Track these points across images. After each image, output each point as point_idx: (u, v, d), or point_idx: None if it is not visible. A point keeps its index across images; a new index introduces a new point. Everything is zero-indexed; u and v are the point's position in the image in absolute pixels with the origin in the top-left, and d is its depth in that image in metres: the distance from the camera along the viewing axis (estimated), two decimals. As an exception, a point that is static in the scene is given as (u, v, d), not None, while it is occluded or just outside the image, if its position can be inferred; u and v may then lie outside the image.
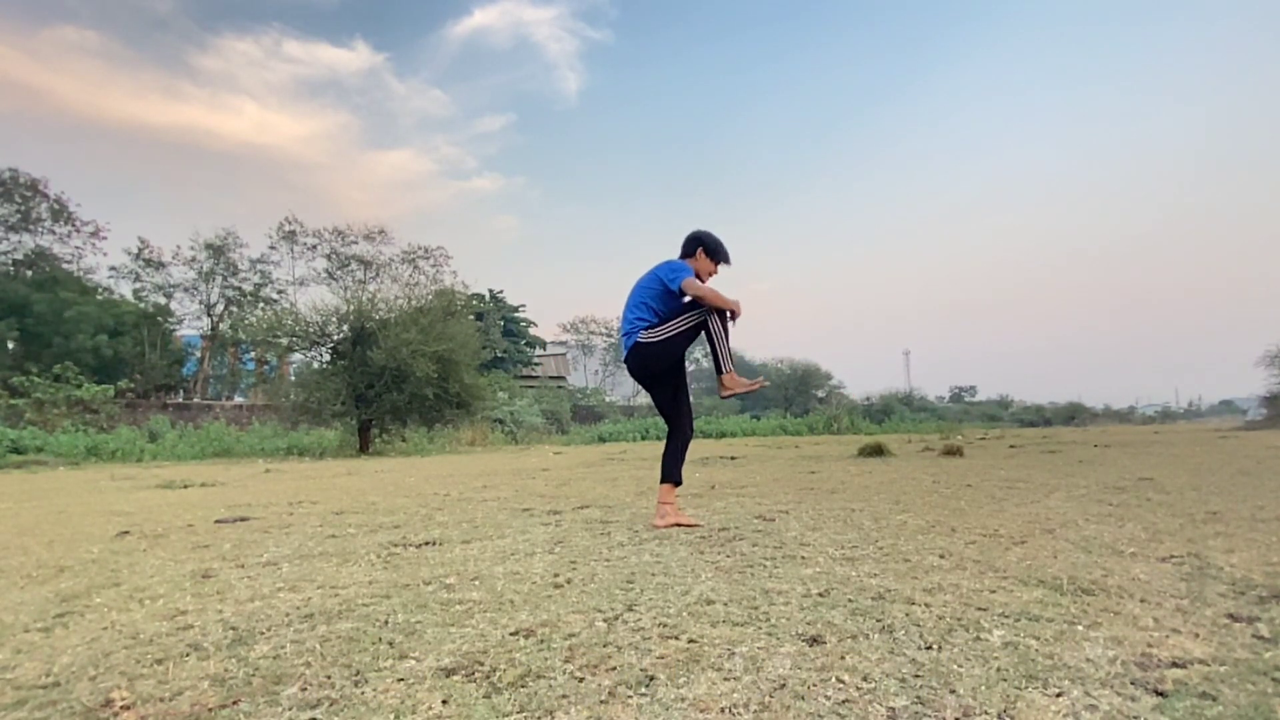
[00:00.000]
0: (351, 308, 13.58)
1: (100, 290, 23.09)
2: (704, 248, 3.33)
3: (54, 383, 15.12)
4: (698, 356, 31.31)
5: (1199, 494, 4.17)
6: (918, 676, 1.30)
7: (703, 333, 3.16)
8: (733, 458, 9.05)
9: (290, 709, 1.21)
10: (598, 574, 2.20)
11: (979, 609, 1.74)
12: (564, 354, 41.31)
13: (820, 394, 36.29)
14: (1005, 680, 1.28)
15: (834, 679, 1.29)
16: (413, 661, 1.43)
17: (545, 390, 28.21)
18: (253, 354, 25.59)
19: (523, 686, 1.29)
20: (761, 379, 3.41)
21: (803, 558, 2.39)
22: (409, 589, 2.05)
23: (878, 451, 8.64)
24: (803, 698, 1.21)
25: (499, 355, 29.99)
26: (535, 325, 36.39)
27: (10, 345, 19.88)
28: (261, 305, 25.32)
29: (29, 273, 21.75)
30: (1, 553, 2.92)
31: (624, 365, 3.59)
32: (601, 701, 1.21)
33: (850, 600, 1.83)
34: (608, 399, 36.13)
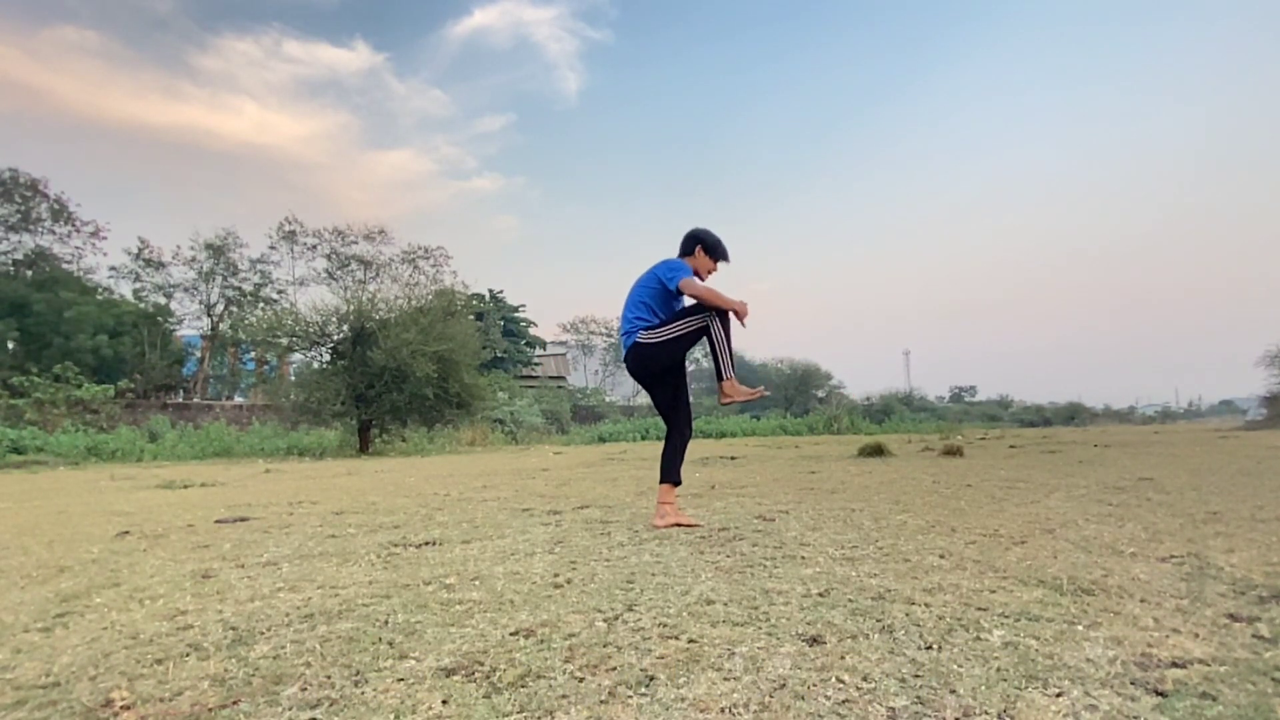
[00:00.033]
0: (351, 308, 13.58)
1: (100, 290, 23.08)
2: (702, 245, 3.32)
3: (54, 383, 15.12)
4: (698, 357, 31.28)
5: (1199, 494, 4.17)
6: (918, 676, 1.30)
7: (705, 337, 3.13)
8: (733, 458, 9.04)
9: (290, 709, 1.21)
10: (598, 574, 2.20)
11: (979, 609, 1.74)
12: (564, 354, 41.32)
13: (820, 394, 36.29)
14: (1005, 680, 1.28)
15: (834, 679, 1.29)
16: (413, 661, 1.43)
17: (545, 390, 28.22)
18: (253, 354, 25.59)
19: (523, 686, 1.29)
20: (762, 388, 3.37)
21: (803, 558, 2.39)
22: (409, 589, 2.05)
23: (878, 451, 8.64)
24: (803, 698, 1.22)
25: (499, 355, 29.99)
26: (535, 325, 36.42)
27: (10, 345, 19.88)
28: (261, 305, 25.31)
29: (29, 273, 21.75)
30: (1, 553, 2.92)
31: (624, 365, 3.58)
32: (601, 701, 1.21)
33: (850, 600, 1.83)
34: (608, 399, 36.13)
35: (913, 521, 3.20)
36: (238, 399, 25.40)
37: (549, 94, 75.52)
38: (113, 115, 46.45)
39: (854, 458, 8.44)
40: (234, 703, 1.24)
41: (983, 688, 1.25)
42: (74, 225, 22.87)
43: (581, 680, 1.31)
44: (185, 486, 6.40)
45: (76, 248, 23.20)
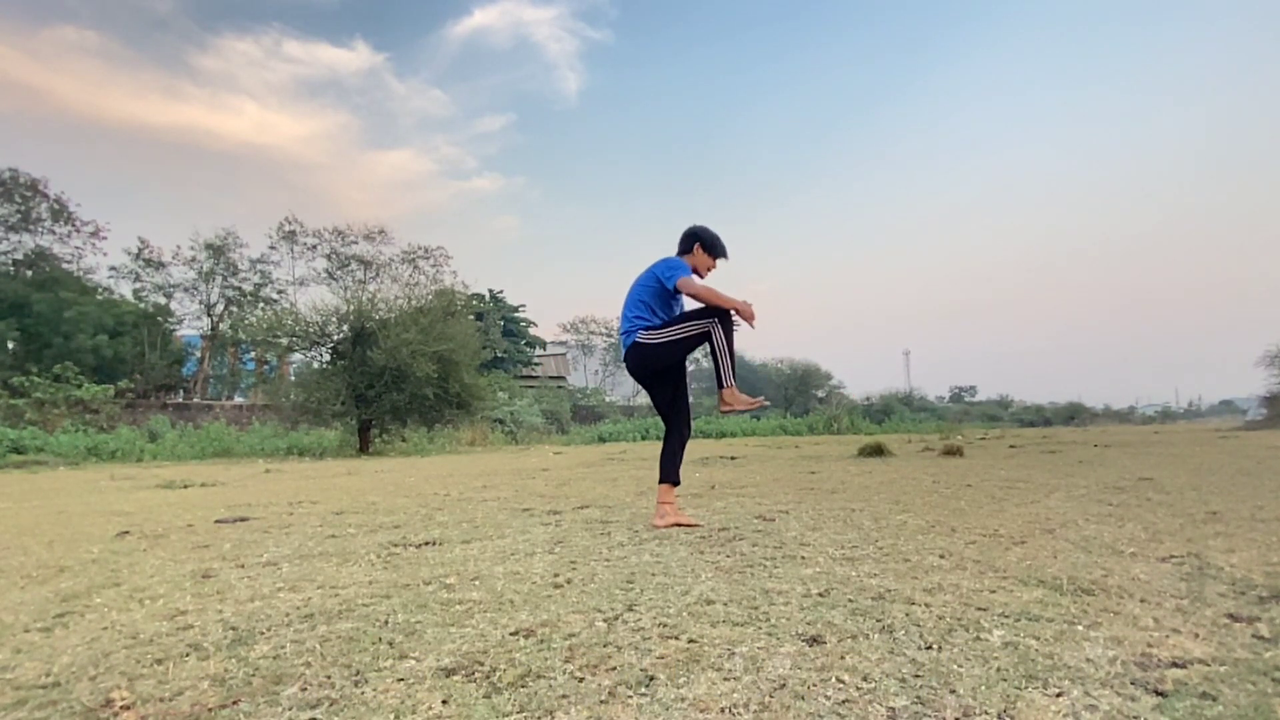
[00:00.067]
0: (351, 308, 13.59)
1: (100, 290, 23.08)
2: (701, 243, 3.31)
3: (54, 383, 15.12)
4: (698, 357, 31.33)
5: (1199, 494, 4.17)
6: (918, 676, 1.30)
7: (706, 343, 3.10)
8: (733, 458, 9.04)
9: (290, 709, 1.21)
10: (598, 574, 2.20)
11: (979, 609, 1.74)
12: (564, 354, 41.32)
13: (820, 394, 36.31)
14: (1005, 680, 1.28)
15: (834, 679, 1.29)
16: (413, 661, 1.43)
17: (545, 390, 28.22)
18: (253, 354, 25.59)
19: (523, 686, 1.29)
20: (762, 398, 3.33)
21: (803, 558, 2.39)
22: (409, 589, 2.05)
23: (878, 451, 8.64)
24: (803, 698, 1.22)
25: (499, 355, 29.99)
26: (535, 325, 36.41)
27: (10, 345, 19.88)
28: (261, 305, 25.32)
29: (29, 273, 21.74)
30: (1, 553, 2.93)
31: (623, 365, 3.57)
32: (601, 701, 1.21)
33: (850, 600, 1.83)
34: (608, 399, 36.14)
35: (913, 521, 3.20)
36: (238, 399, 25.40)
37: (549, 94, 75.46)
38: (113, 115, 46.44)
39: (854, 458, 8.44)
40: (234, 703, 1.24)
41: (983, 688, 1.25)
42: (74, 225, 22.86)
43: (581, 680, 1.31)
44: (185, 486, 6.40)
45: (76, 248, 23.22)
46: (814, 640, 1.51)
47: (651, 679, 1.31)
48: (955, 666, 1.35)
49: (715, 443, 17.26)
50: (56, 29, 39.40)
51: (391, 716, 1.18)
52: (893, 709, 1.17)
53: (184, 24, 46.21)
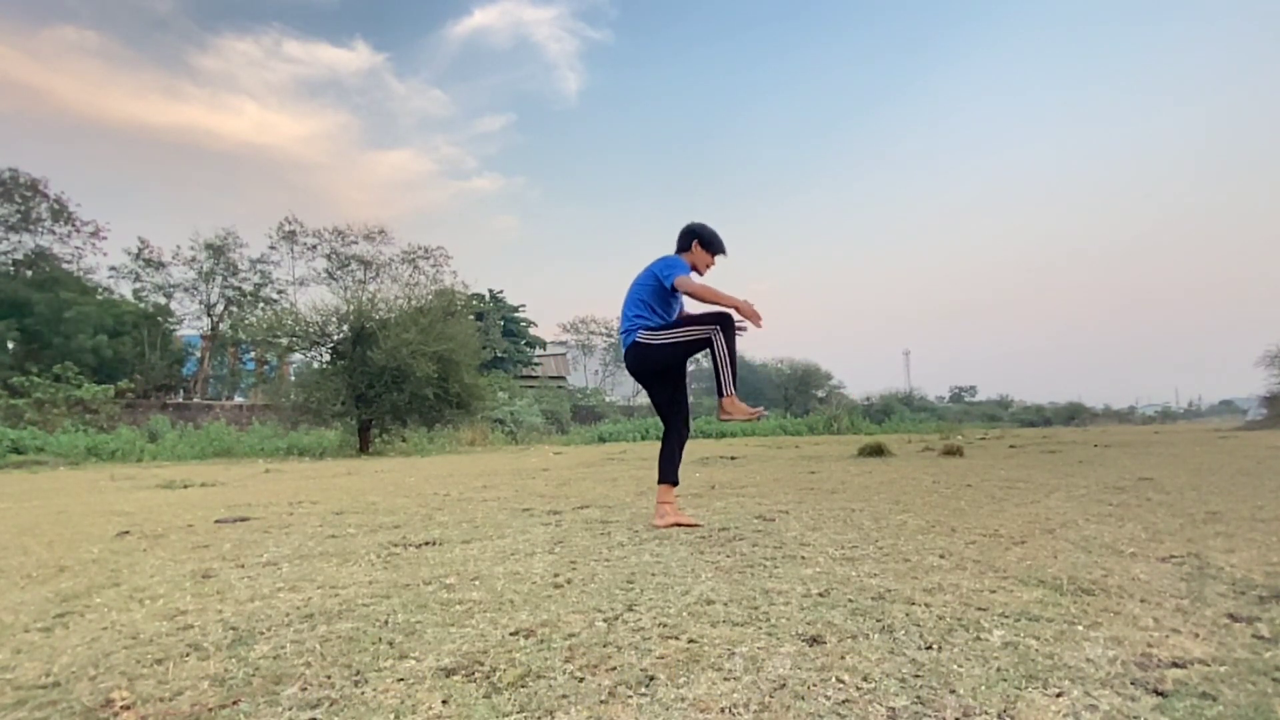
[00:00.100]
0: (351, 308, 13.59)
1: (100, 290, 23.08)
2: (699, 240, 3.30)
3: (54, 383, 15.12)
4: (698, 356, 31.30)
5: (1199, 494, 4.17)
6: (918, 676, 1.30)
7: (707, 349, 3.06)
8: (733, 458, 9.04)
9: (290, 709, 1.21)
10: (598, 574, 2.20)
11: (979, 609, 1.74)
12: (564, 354, 41.30)
13: (820, 394, 36.31)
14: (1005, 680, 1.28)
15: (834, 679, 1.29)
16: (413, 661, 1.43)
17: (545, 390, 28.22)
18: (253, 354, 25.59)
19: (523, 686, 1.29)
20: (762, 409, 3.30)
21: (803, 558, 2.39)
22: (409, 589, 2.05)
23: (878, 451, 8.64)
24: (803, 698, 1.22)
25: (499, 355, 29.98)
26: (535, 325, 36.39)
27: (10, 345, 19.88)
28: (261, 305, 25.32)
29: (29, 273, 21.74)
30: (1, 553, 2.93)
31: (623, 364, 3.57)
32: (601, 701, 1.21)
33: (850, 600, 1.83)
34: (608, 399, 36.13)
35: (913, 521, 3.20)
36: (238, 399, 25.39)
37: (549, 94, 75.53)
38: (113, 115, 46.46)
39: (854, 458, 8.44)
40: (234, 703, 1.24)
41: (983, 688, 1.25)
42: (74, 225, 22.85)
43: (581, 680, 1.31)
44: (185, 486, 6.40)
45: (76, 248, 23.20)
46: (814, 640, 1.51)
47: (651, 679, 1.31)
48: (955, 666, 1.35)
49: (715, 443, 17.26)
50: (56, 29, 39.44)
51: (391, 716, 1.18)
52: (893, 709, 1.17)
53: (184, 24, 46.26)
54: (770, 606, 1.78)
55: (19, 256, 22.12)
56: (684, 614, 1.73)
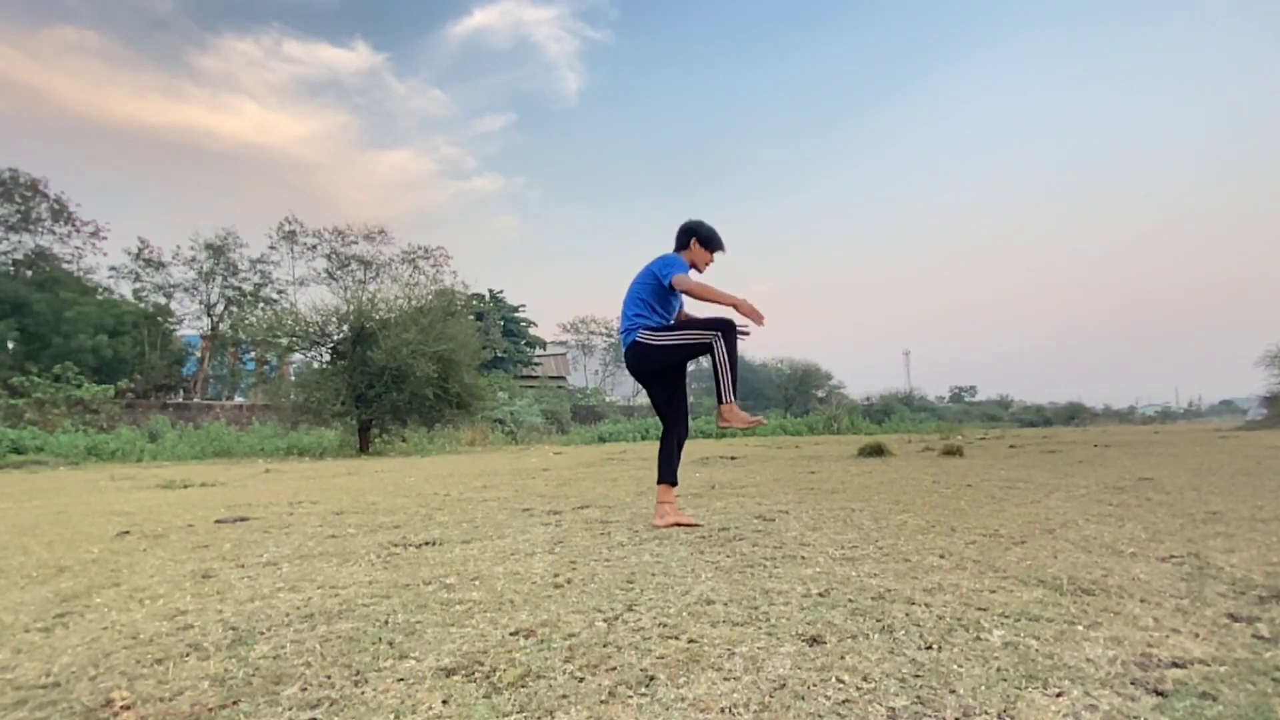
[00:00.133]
0: (351, 308, 13.59)
1: (100, 290, 23.09)
2: (697, 237, 3.30)
3: (54, 383, 15.12)
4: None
5: (1199, 494, 4.17)
6: (918, 676, 1.30)
7: (708, 355, 3.02)
8: (733, 458, 9.04)
9: (290, 709, 1.21)
10: (598, 574, 2.20)
11: (979, 609, 1.74)
12: (564, 354, 41.30)
13: (820, 394, 36.29)
14: (1005, 680, 1.28)
15: (834, 679, 1.29)
16: (413, 661, 1.43)
17: (545, 390, 28.22)
18: (253, 354, 25.59)
19: (523, 686, 1.29)
20: (761, 418, 3.30)
21: (803, 558, 2.39)
22: (409, 589, 2.05)
23: (878, 451, 8.64)
24: (803, 698, 1.21)
25: (499, 355, 29.98)
26: (535, 325, 36.39)
27: (10, 345, 19.88)
28: (261, 305, 25.32)
29: (29, 273, 21.74)
30: (1, 553, 2.92)
31: (623, 363, 3.57)
32: (601, 701, 1.21)
33: (850, 600, 1.83)
34: (608, 399, 36.12)
35: (913, 521, 3.20)
36: (238, 399, 25.39)
37: (549, 94, 75.56)
38: (113, 115, 46.46)
39: (854, 458, 8.44)
40: (234, 703, 1.24)
41: (983, 688, 1.25)
42: (74, 225, 22.86)
43: (581, 680, 1.31)
44: (185, 486, 6.40)
45: (76, 248, 23.21)
46: (814, 640, 1.51)
47: (651, 679, 1.31)
48: (955, 666, 1.35)
49: (715, 443, 17.26)
50: (56, 29, 39.43)
51: (391, 716, 1.18)
52: (893, 709, 1.17)
53: (184, 24, 46.27)
54: (770, 606, 1.78)
55: (19, 256, 22.13)
56: (684, 614, 1.73)
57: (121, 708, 1.24)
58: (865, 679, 1.29)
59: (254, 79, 52.27)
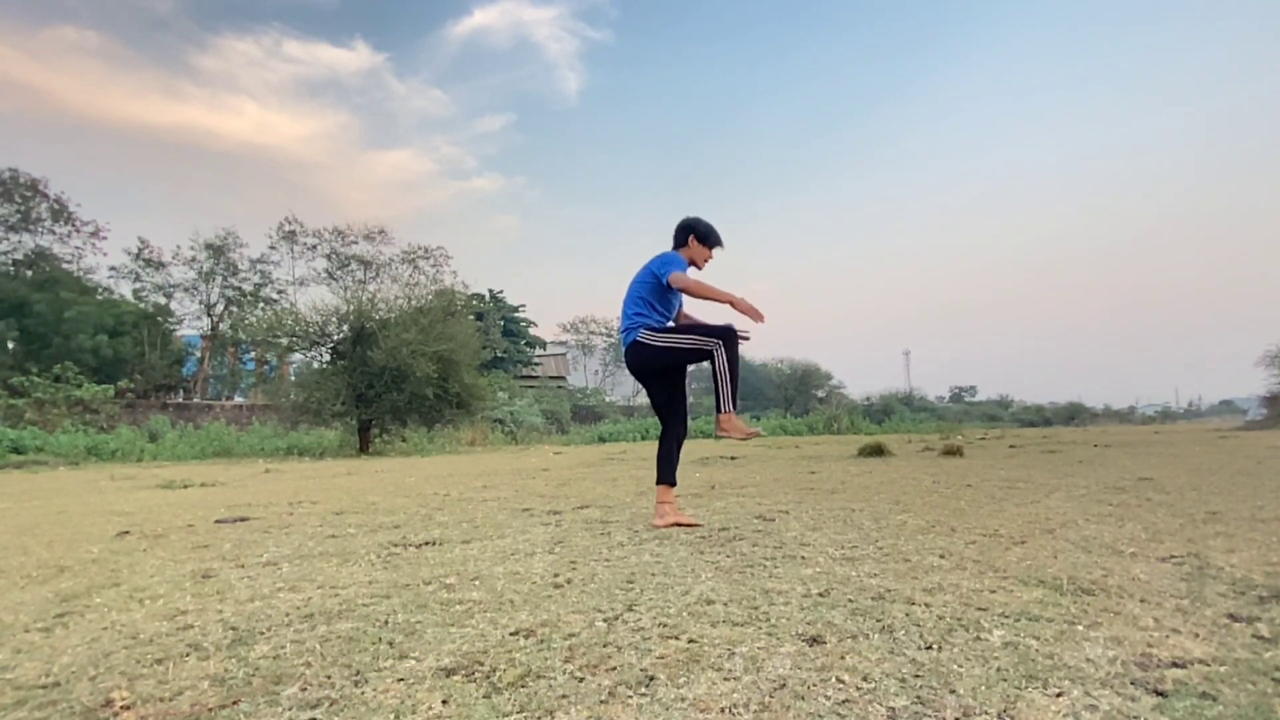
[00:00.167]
0: (351, 308, 13.59)
1: (100, 290, 23.09)
2: (695, 234, 3.29)
3: (54, 383, 15.13)
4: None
5: (1199, 494, 4.17)
6: (918, 676, 1.30)
7: (708, 362, 3.00)
8: (733, 458, 9.04)
9: (290, 709, 1.21)
10: (598, 574, 2.20)
11: (979, 609, 1.74)
12: (564, 354, 41.30)
13: (820, 394, 36.30)
14: (1005, 680, 1.28)
15: (834, 679, 1.29)
16: (413, 661, 1.43)
17: (545, 390, 28.23)
18: (253, 354, 25.60)
19: (523, 686, 1.29)
20: (759, 429, 3.25)
21: (803, 558, 2.39)
22: (409, 589, 2.05)
23: (878, 451, 8.64)
24: (803, 698, 1.21)
25: (499, 355, 29.97)
26: (535, 325, 36.39)
27: (10, 345, 19.89)
28: (261, 305, 25.33)
29: (29, 273, 21.75)
30: (1, 553, 2.92)
31: (623, 363, 3.57)
32: (601, 701, 1.21)
33: (850, 600, 1.83)
34: (608, 399, 36.12)
35: (913, 521, 3.20)
36: (238, 399, 25.39)
37: (549, 94, 75.62)
38: (113, 115, 46.48)
39: (854, 458, 8.44)
40: (234, 703, 1.24)
41: (983, 688, 1.25)
42: (74, 225, 22.86)
43: (581, 680, 1.31)
44: (185, 486, 6.40)
45: (76, 248, 23.22)
46: (814, 640, 1.51)
47: (651, 679, 1.30)
48: (955, 666, 1.35)
49: (715, 443, 17.25)
50: (56, 29, 39.45)
51: (391, 716, 1.18)
52: (893, 709, 1.17)
53: (184, 24, 46.28)
54: (770, 606, 1.78)
55: (19, 256, 22.14)
56: (684, 614, 1.73)
57: (121, 708, 1.24)
58: (865, 679, 1.29)
59: (254, 79, 52.32)
